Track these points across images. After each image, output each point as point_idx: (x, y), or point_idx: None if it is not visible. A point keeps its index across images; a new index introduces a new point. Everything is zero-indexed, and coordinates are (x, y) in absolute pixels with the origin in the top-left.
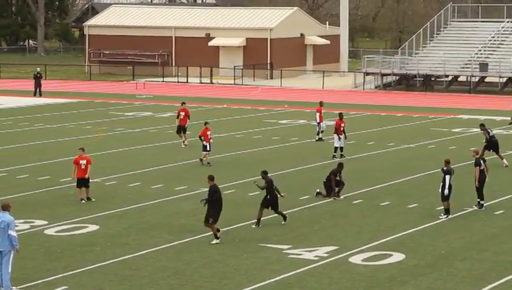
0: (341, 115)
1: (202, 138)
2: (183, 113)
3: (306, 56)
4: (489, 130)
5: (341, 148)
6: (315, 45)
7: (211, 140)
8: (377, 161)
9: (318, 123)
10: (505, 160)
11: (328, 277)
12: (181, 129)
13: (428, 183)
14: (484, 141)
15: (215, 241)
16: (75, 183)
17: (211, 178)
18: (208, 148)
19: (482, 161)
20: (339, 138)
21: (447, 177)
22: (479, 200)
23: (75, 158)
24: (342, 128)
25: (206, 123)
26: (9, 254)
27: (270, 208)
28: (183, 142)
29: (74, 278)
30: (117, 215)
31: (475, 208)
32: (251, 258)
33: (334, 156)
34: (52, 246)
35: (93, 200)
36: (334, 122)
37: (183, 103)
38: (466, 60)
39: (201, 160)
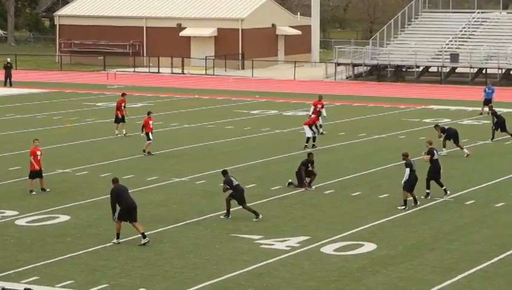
0: (319, 113)
1: (144, 128)
2: (124, 104)
3: (278, 46)
4: (443, 127)
5: (314, 138)
6: (287, 35)
7: (153, 129)
8: (348, 151)
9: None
10: (465, 149)
11: (300, 267)
12: (121, 120)
13: (398, 174)
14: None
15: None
16: (28, 175)
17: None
18: (151, 138)
19: (435, 151)
20: (311, 129)
21: (407, 169)
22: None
23: (31, 149)
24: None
25: (148, 113)
26: None
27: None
28: (124, 133)
29: (45, 269)
30: (88, 206)
31: (445, 198)
32: (223, 248)
33: (306, 147)
34: (23, 236)
35: (48, 190)
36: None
37: (123, 94)
38: (437, 50)
39: (144, 151)
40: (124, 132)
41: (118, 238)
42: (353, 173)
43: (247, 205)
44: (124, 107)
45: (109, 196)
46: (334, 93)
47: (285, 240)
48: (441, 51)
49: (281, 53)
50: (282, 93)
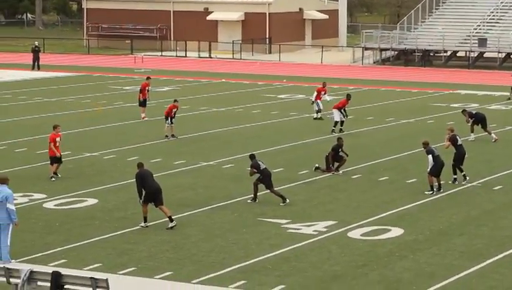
0: (348, 96)
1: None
2: (148, 88)
3: (305, 31)
4: (471, 112)
5: (342, 122)
6: (314, 19)
7: (174, 115)
8: (376, 136)
9: (313, 102)
10: (493, 134)
11: (327, 251)
12: (144, 103)
13: (426, 159)
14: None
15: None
16: (49, 161)
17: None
18: (170, 122)
19: (457, 137)
20: (340, 112)
21: (429, 156)
22: (455, 176)
23: (51, 135)
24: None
25: (175, 101)
26: (7, 228)
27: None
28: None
29: (72, 252)
30: (116, 189)
31: (465, 184)
32: (250, 232)
33: (333, 131)
34: (51, 219)
35: (59, 176)
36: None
37: (148, 78)
38: (465, 35)
39: (166, 135)
40: (143, 116)
41: (145, 221)
42: (380, 158)
43: (275, 189)
44: (148, 90)
45: (135, 180)
46: (362, 78)
47: (312, 225)
48: (469, 36)
49: (308, 37)
50: (310, 77)
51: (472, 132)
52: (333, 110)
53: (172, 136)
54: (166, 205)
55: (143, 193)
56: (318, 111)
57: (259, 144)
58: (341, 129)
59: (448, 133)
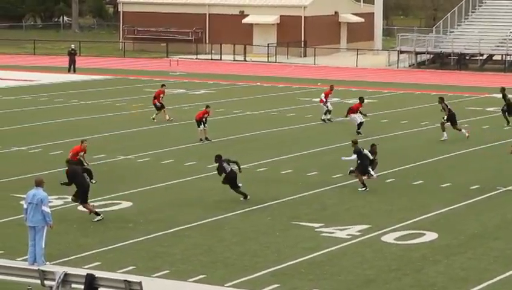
0: (361, 99)
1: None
2: (162, 95)
3: (340, 34)
4: (447, 104)
5: (360, 123)
6: (349, 22)
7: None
8: (411, 139)
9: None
10: (463, 130)
11: (361, 255)
12: (160, 107)
13: (461, 163)
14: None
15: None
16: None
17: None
18: (201, 126)
19: None
20: (361, 115)
21: (354, 156)
22: None
23: (76, 148)
24: (358, 110)
25: (207, 106)
26: (42, 230)
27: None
28: (169, 119)
29: (107, 255)
30: (150, 192)
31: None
32: (283, 236)
33: (359, 133)
34: (85, 222)
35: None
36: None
37: (163, 85)
38: (501, 38)
39: (200, 139)
40: (167, 117)
41: (97, 215)
42: (415, 162)
43: (240, 189)
44: (162, 97)
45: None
46: (397, 81)
47: (345, 229)
48: (505, 39)
49: (343, 40)
50: (344, 81)
51: (444, 130)
52: (350, 115)
53: (206, 139)
54: (201, 207)
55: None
56: (328, 112)
57: (293, 147)
58: (358, 132)
59: None
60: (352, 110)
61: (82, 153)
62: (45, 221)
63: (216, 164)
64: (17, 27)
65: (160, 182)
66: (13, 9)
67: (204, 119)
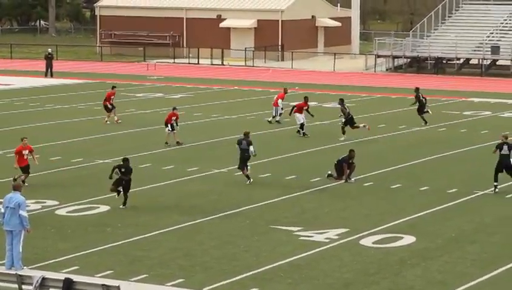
0: (306, 99)
1: (167, 121)
2: (113, 97)
3: (317, 38)
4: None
5: (303, 124)
6: (326, 26)
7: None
8: (388, 143)
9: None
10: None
11: (339, 259)
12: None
13: (439, 166)
14: (342, 117)
15: None
16: (20, 171)
17: None
18: (170, 129)
19: (505, 146)
20: (303, 116)
21: (251, 147)
22: (495, 184)
23: (18, 148)
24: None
25: (174, 108)
26: (19, 234)
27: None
28: (115, 120)
29: (85, 259)
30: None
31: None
32: (261, 239)
33: (304, 133)
34: (63, 226)
35: (26, 185)
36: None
37: (114, 87)
38: (477, 42)
39: (166, 142)
40: (116, 119)
41: None
42: (393, 165)
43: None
44: (113, 99)
45: None
46: (374, 85)
47: (324, 232)
48: (482, 43)
49: (320, 45)
50: (322, 85)
51: (344, 133)
52: (295, 114)
53: (177, 143)
54: (179, 211)
55: None
56: (278, 115)
57: (271, 151)
58: (299, 131)
59: (502, 140)
60: (297, 109)
61: (26, 152)
62: (22, 225)
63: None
64: None
65: (138, 186)
66: None
67: (174, 123)
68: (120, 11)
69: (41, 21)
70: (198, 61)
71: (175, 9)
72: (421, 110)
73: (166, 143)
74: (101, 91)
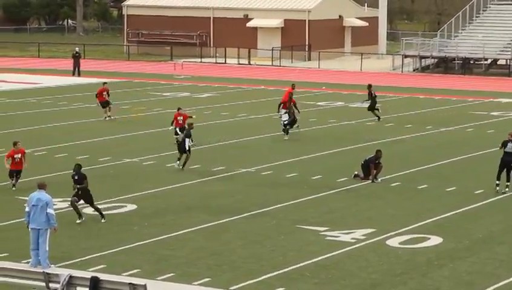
0: (292, 86)
1: (173, 122)
2: (105, 93)
3: (344, 38)
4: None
5: (293, 122)
6: (353, 26)
7: (181, 123)
8: (415, 143)
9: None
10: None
11: (366, 259)
12: (106, 104)
13: (466, 167)
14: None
15: None
16: (8, 173)
17: None
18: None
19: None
20: (287, 113)
21: (186, 139)
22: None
23: (9, 152)
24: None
25: (178, 109)
26: (46, 233)
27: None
28: (109, 116)
29: (111, 257)
30: (155, 195)
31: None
32: (288, 239)
33: (288, 131)
34: (90, 225)
35: (14, 189)
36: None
37: (105, 83)
38: (505, 43)
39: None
40: (109, 114)
41: None
42: (420, 166)
43: (95, 205)
44: (107, 95)
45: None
46: (401, 86)
47: (350, 232)
48: (510, 44)
49: (347, 44)
50: (349, 84)
51: (287, 133)
52: (281, 110)
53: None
54: (205, 211)
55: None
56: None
57: (297, 151)
58: (288, 130)
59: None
60: (284, 105)
61: (18, 156)
62: (49, 224)
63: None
64: (22, 30)
65: (165, 185)
66: (17, 12)
67: (181, 123)
68: (147, 10)
69: (69, 20)
70: (225, 61)
71: (203, 9)
72: (373, 106)
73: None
74: (128, 90)
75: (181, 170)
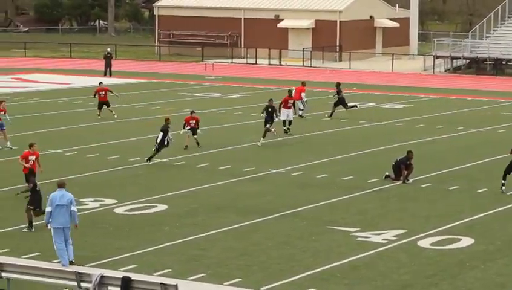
0: (290, 92)
1: (185, 125)
2: (102, 92)
3: (375, 39)
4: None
5: (289, 122)
6: (385, 27)
7: (194, 125)
8: (446, 144)
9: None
10: None
11: (397, 260)
12: (103, 104)
13: (497, 168)
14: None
15: None
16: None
17: None
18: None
19: None
20: (287, 112)
21: (161, 134)
22: None
23: (24, 153)
24: (289, 104)
25: (191, 112)
26: (69, 230)
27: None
28: (113, 114)
29: (142, 257)
30: (186, 196)
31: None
32: (319, 240)
33: (284, 130)
34: (121, 225)
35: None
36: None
37: (101, 83)
38: None
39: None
40: (98, 113)
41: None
42: (450, 167)
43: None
44: (105, 94)
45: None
46: (432, 86)
47: (381, 233)
48: None
49: (378, 45)
50: (380, 85)
51: (264, 136)
52: (282, 110)
53: (197, 144)
54: (236, 211)
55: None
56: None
57: (328, 152)
58: (288, 129)
59: None
60: (284, 103)
61: (33, 157)
62: (71, 221)
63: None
64: (54, 31)
65: (195, 185)
66: (49, 13)
67: (193, 125)
68: (179, 11)
69: (100, 21)
70: (256, 62)
71: (234, 10)
72: (340, 103)
73: (186, 147)
74: (159, 91)
75: (209, 170)
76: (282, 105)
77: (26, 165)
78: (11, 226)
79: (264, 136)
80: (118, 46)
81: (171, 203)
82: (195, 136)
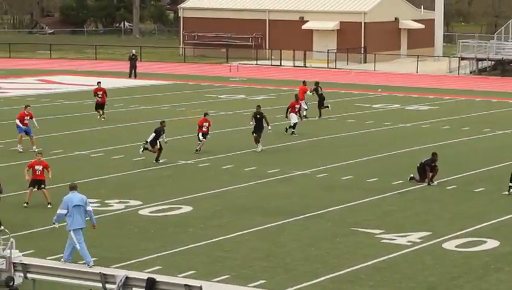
0: (296, 97)
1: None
2: (100, 92)
3: (400, 40)
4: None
5: (294, 124)
6: (410, 29)
7: (204, 130)
8: (472, 146)
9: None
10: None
11: (421, 262)
12: (100, 106)
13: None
14: None
15: None
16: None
17: None
18: (200, 138)
19: None
20: (298, 115)
21: (153, 134)
22: None
23: (31, 162)
24: (296, 109)
25: (205, 114)
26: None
27: None
28: (102, 116)
29: (167, 259)
30: (211, 197)
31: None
32: (343, 242)
33: (293, 132)
34: (146, 226)
35: (49, 206)
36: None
37: (99, 83)
38: None
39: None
40: (103, 115)
41: None
42: (476, 169)
43: None
44: (104, 95)
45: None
46: (458, 88)
47: (406, 235)
48: None
49: (403, 47)
50: (405, 87)
51: (258, 142)
52: (291, 114)
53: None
54: (260, 213)
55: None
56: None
57: (353, 154)
58: (293, 132)
59: None
60: (291, 109)
61: (40, 167)
62: (85, 222)
63: None
64: (79, 32)
65: (220, 187)
66: (74, 15)
67: (205, 129)
68: (203, 12)
69: (125, 23)
70: (281, 63)
71: (258, 11)
72: (320, 103)
73: (197, 151)
74: (184, 92)
75: (234, 172)
76: (289, 110)
77: (27, 177)
78: (36, 228)
79: (257, 142)
80: (143, 48)
81: (196, 204)
82: (204, 140)
